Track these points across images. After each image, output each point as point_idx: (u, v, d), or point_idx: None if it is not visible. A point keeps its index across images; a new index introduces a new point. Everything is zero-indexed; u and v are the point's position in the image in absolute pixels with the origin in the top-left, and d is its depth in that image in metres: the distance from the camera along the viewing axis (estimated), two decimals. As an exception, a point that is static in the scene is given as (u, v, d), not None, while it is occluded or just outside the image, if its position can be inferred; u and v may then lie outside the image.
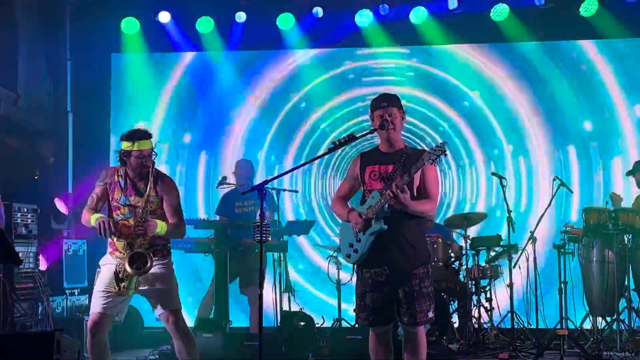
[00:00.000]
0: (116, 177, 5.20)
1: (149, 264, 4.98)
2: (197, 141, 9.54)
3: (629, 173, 7.83)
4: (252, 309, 7.67)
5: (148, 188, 5.09)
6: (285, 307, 7.62)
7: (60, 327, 4.83)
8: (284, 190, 7.52)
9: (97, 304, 5.08)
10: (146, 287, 5.12)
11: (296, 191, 7.77)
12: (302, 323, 7.25)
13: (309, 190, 9.24)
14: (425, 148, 4.92)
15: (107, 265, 5.12)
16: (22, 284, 6.88)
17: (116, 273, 5.02)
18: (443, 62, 9.28)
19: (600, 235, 7.31)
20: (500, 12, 8.73)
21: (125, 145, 5.12)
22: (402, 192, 4.55)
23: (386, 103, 4.86)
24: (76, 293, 7.91)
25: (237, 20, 8.99)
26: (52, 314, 7.04)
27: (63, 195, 8.29)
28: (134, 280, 5.03)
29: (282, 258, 7.60)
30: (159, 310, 5.16)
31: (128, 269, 4.97)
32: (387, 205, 4.64)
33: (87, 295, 8.05)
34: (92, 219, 5.09)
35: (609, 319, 7.27)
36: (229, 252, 7.44)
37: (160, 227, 5.09)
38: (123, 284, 5.01)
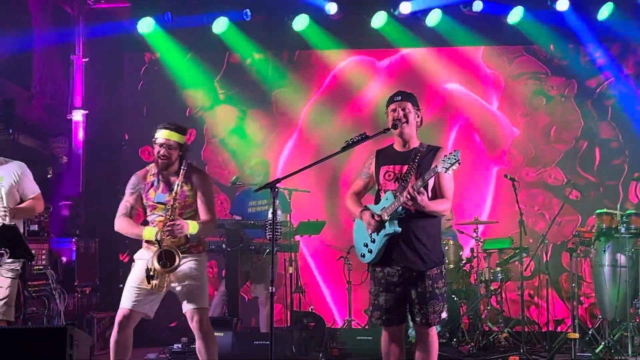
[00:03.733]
0: (149, 177, 5.25)
1: (177, 262, 5.00)
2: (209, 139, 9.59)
3: (637, 179, 7.82)
4: (262, 308, 7.68)
5: (177, 185, 5.12)
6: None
7: (72, 322, 4.83)
8: (296, 190, 7.51)
9: (127, 300, 5.10)
10: (176, 284, 5.13)
11: (307, 191, 7.77)
12: (312, 323, 7.26)
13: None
14: (441, 146, 4.86)
15: (142, 261, 5.14)
16: (34, 281, 6.90)
17: (147, 270, 5.03)
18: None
19: (612, 239, 7.27)
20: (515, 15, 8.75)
21: (156, 134, 5.19)
22: (419, 194, 4.55)
23: (400, 97, 4.86)
24: (87, 291, 7.93)
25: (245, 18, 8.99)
26: (63, 312, 7.06)
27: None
28: (165, 278, 5.04)
29: (293, 258, 7.61)
30: (185, 307, 5.17)
31: (156, 265, 4.98)
32: (400, 207, 4.64)
33: (99, 294, 8.09)
34: (144, 233, 5.13)
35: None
36: (239, 252, 7.46)
37: (192, 227, 5.10)
38: (154, 281, 5.03)
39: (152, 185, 5.22)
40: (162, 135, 5.16)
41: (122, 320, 5.08)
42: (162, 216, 5.14)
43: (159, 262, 4.99)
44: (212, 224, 5.27)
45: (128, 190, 5.30)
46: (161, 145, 5.15)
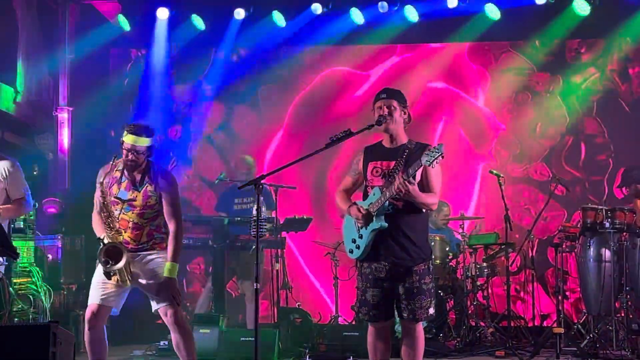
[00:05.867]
0: (114, 172, 5.19)
1: (124, 257, 4.96)
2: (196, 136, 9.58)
3: (620, 186, 7.90)
4: (249, 305, 7.69)
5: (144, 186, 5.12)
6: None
7: (55, 320, 4.83)
8: (281, 186, 7.51)
9: (95, 295, 5.09)
10: (144, 281, 5.13)
11: (294, 187, 7.77)
12: (299, 319, 7.27)
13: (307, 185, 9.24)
14: (429, 143, 4.87)
15: None
16: (19, 279, 6.88)
17: (103, 268, 5.03)
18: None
19: (597, 234, 7.31)
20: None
21: (123, 134, 5.14)
22: (410, 183, 4.56)
23: (385, 95, 4.87)
24: (73, 289, 7.90)
25: (236, 17, 8.96)
26: (48, 309, 7.04)
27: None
28: (124, 272, 5.01)
29: (279, 255, 7.61)
30: (155, 305, 5.16)
31: (102, 260, 4.98)
32: (387, 203, 4.66)
33: (85, 291, 8.06)
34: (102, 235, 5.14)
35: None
36: (226, 248, 7.46)
37: (171, 270, 5.08)
38: (115, 277, 5.02)
39: (117, 180, 5.19)
40: (130, 140, 5.09)
41: (91, 317, 5.07)
42: (125, 214, 5.12)
43: (103, 258, 4.97)
44: (179, 232, 5.18)
45: (97, 185, 5.26)
46: (129, 150, 5.09)
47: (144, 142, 5.12)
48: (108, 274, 5.01)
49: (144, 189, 5.15)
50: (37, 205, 7.50)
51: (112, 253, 5.00)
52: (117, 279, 5.02)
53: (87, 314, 5.10)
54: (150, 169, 5.20)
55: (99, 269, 5.12)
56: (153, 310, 5.22)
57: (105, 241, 5.04)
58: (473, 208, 9.11)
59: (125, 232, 5.13)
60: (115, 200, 5.15)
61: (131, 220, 5.15)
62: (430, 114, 9.23)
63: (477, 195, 9.16)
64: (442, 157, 4.49)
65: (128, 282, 5.06)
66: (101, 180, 5.19)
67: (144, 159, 5.15)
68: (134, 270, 5.10)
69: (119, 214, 5.13)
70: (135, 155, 5.09)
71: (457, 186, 9.05)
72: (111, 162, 5.18)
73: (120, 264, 4.97)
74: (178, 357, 5.33)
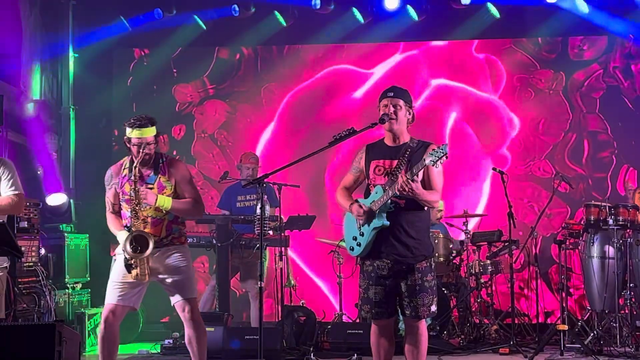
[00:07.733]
0: (123, 171, 5.20)
1: (150, 245, 4.96)
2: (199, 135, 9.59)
3: None
4: (253, 303, 7.70)
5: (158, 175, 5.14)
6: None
7: (61, 319, 4.84)
8: (285, 185, 7.53)
9: (112, 295, 5.09)
10: (164, 276, 5.14)
11: (297, 186, 7.78)
12: (303, 317, 7.29)
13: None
14: (431, 142, 4.88)
15: (121, 255, 5.09)
16: (24, 278, 6.90)
17: (125, 259, 5.01)
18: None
19: (600, 231, 7.32)
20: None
21: (127, 131, 5.13)
22: (413, 181, 4.57)
23: (392, 93, 4.86)
24: (78, 287, 7.93)
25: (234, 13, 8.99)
26: (53, 308, 7.06)
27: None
28: (144, 265, 5.01)
29: (283, 253, 7.62)
30: (175, 299, 5.17)
31: (128, 249, 4.96)
32: (390, 201, 4.67)
33: (89, 290, 8.09)
34: (118, 235, 5.13)
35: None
36: (230, 247, 7.47)
37: (163, 200, 5.06)
38: (135, 270, 5.01)
39: (127, 178, 5.19)
40: (136, 135, 5.08)
41: (109, 316, 5.08)
42: (142, 210, 5.09)
43: (130, 246, 4.96)
44: (191, 203, 5.19)
45: (106, 186, 5.28)
46: (139, 144, 5.07)
47: (151, 132, 5.12)
48: (129, 267, 5.00)
49: (157, 180, 5.15)
50: (40, 204, 7.52)
51: (139, 241, 4.99)
52: (137, 273, 5.01)
53: (104, 312, 5.11)
54: (159, 160, 5.21)
55: (117, 267, 5.13)
56: (172, 304, 5.21)
57: (132, 229, 5.04)
58: (483, 206, 9.09)
59: (145, 228, 5.14)
60: (130, 198, 5.11)
61: (149, 215, 5.13)
62: (434, 112, 9.22)
63: (482, 193, 9.13)
64: (447, 157, 4.50)
65: (147, 276, 5.04)
66: (114, 181, 5.19)
67: (154, 148, 5.16)
68: (152, 265, 5.09)
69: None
70: (148, 148, 5.09)
71: (466, 184, 9.06)
72: (121, 162, 5.21)
73: (148, 251, 4.96)
74: (182, 356, 5.36)
